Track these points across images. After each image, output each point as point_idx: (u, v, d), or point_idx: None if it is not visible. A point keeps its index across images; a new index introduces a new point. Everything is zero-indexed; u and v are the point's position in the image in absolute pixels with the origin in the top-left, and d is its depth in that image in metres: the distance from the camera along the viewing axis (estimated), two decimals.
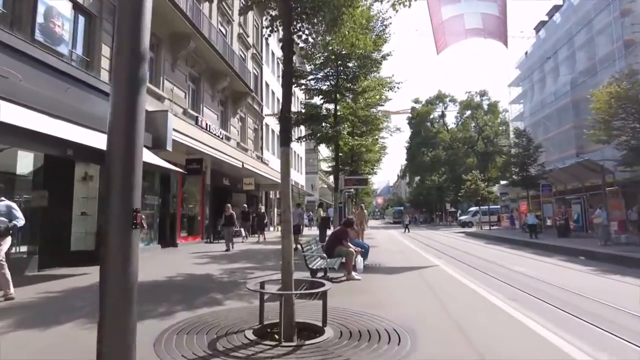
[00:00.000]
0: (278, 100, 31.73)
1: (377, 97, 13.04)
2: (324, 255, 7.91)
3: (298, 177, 40.48)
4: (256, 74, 25.67)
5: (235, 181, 20.83)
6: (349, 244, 8.42)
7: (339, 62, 11.41)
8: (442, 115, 70.10)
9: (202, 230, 17.08)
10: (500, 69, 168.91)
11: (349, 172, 18.95)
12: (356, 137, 11.90)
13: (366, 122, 12.50)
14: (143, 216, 11.80)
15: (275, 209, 30.80)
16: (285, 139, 4.70)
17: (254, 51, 25.01)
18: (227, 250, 13.28)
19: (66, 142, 7.27)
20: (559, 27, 33.54)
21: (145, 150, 11.50)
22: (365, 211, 13.56)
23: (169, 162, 11.92)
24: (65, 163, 9.86)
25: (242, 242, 16.74)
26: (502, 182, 45.32)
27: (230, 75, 18.31)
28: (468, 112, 67.76)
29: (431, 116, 65.72)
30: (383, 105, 14.24)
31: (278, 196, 30.36)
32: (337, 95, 11.79)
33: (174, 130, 11.80)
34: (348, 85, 11.66)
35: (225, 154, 15.66)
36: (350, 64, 11.36)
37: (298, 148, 41.45)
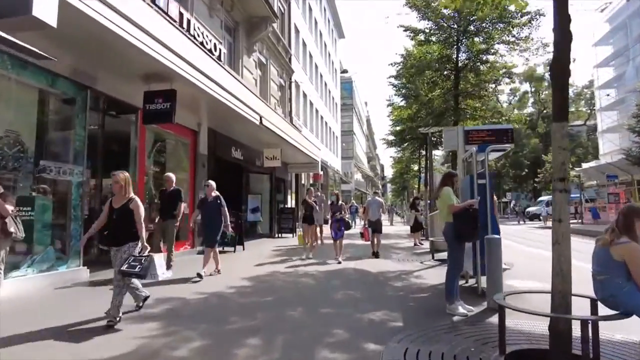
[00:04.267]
0: (311, 56, 24.23)
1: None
2: None
3: (334, 160, 33.01)
4: (282, 10, 18.24)
5: (252, 154, 13.59)
6: None
7: None
8: (495, 91, 60.46)
9: (192, 231, 9.91)
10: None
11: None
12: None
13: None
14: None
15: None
16: None
17: None
18: (197, 278, 6.42)
19: None
20: None
21: None
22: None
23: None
24: None
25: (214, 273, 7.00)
26: (588, 164, 36.41)
27: None
28: (524, 87, 58.55)
29: None
30: None
31: (312, 181, 22.93)
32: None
33: None
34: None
35: (226, 90, 8.30)
36: None
37: (333, 124, 33.94)
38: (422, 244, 12.48)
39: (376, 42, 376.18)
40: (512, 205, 49.18)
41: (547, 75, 55.39)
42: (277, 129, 11.58)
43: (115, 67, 6.85)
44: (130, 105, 7.73)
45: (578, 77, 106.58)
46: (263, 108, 10.65)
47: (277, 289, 5.90)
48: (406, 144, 20.18)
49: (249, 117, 9.74)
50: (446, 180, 5.06)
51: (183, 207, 7.18)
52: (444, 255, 9.52)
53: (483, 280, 5.60)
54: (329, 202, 10.27)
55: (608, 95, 32.75)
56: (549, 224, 26.40)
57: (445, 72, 10.05)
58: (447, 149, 7.58)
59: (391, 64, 11.13)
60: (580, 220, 30.45)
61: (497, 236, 5.03)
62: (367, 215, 10.14)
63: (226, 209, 7.01)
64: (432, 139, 13.54)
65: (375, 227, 9.90)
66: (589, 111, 50.78)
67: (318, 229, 11.74)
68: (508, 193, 49.16)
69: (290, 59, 18.78)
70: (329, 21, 32.11)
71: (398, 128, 18.49)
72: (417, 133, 14.40)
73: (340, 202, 9.61)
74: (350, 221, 21.58)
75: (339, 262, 8.59)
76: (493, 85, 10.36)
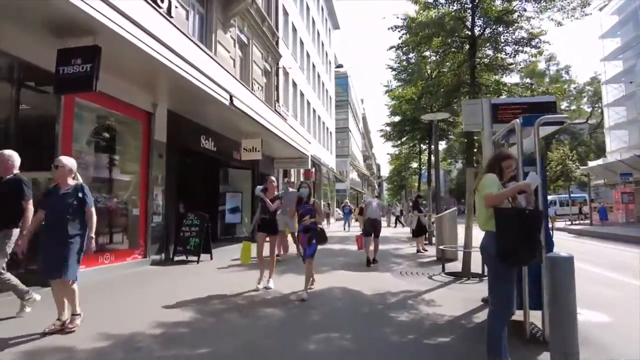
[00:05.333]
0: (302, 42, 22.37)
1: None
2: None
3: (328, 157, 31.15)
4: None
5: (228, 146, 11.68)
6: None
7: None
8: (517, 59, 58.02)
9: (144, 237, 8.01)
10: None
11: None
12: None
13: None
14: None
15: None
16: None
17: None
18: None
19: None
20: None
21: None
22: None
23: None
24: None
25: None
26: (596, 162, 34.68)
27: None
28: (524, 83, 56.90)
29: None
30: None
31: (303, 178, 21.03)
32: None
33: None
34: None
35: (176, 53, 6.38)
36: None
37: (327, 119, 32.08)
38: (426, 250, 10.67)
39: (373, 42, 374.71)
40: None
41: (548, 71, 53.87)
42: (255, 113, 9.68)
43: (13, 14, 4.95)
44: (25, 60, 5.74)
45: (581, 73, 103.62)
46: (235, 86, 8.74)
47: (222, 330, 3.95)
48: (405, 138, 18.36)
49: (215, 95, 7.82)
50: (493, 164, 3.08)
51: (31, 208, 4.14)
52: (456, 265, 7.69)
53: (533, 316, 3.78)
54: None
55: (631, 82, 30.89)
56: (557, 225, 24.68)
57: (459, 40, 8.21)
58: (468, 128, 5.67)
59: (391, 28, 9.13)
60: (589, 222, 28.73)
61: (565, 254, 3.15)
62: (366, 215, 8.43)
63: (93, 209, 3.88)
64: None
65: (373, 229, 8.21)
66: (590, 109, 49.14)
67: (288, 237, 9.39)
68: None
69: (277, 42, 16.90)
70: (322, 9, 30.23)
71: (397, 118, 16.61)
72: (420, 122, 12.52)
73: (313, 199, 5.78)
74: (345, 224, 19.05)
75: (303, 300, 5.10)
76: (520, 49, 8.47)
